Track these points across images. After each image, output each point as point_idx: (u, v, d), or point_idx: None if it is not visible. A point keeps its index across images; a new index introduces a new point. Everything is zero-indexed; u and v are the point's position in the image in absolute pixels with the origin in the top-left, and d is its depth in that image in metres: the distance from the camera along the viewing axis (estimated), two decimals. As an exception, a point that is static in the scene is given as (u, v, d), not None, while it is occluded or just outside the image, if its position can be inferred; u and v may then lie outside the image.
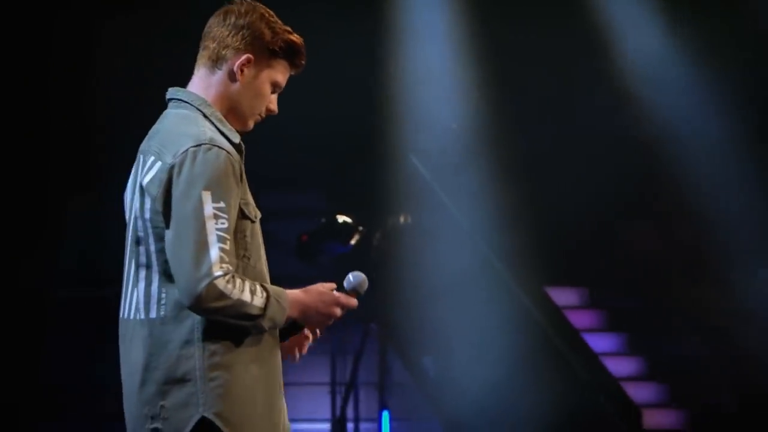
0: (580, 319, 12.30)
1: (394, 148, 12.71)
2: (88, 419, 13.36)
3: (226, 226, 3.79)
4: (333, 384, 13.18)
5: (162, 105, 4.47)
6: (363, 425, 12.19)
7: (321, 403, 13.28)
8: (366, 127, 13.03)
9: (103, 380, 11.78)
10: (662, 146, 12.73)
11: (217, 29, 4.09)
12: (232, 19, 4.05)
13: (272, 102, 4.14)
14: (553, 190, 12.94)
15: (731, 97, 12.82)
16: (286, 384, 4.44)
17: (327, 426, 13.15)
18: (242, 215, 3.91)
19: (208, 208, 3.78)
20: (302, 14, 12.76)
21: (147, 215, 3.89)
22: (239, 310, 3.76)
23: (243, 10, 4.08)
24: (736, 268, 11.61)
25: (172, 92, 4.14)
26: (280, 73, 4.11)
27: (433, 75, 12.79)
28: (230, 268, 3.76)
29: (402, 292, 13.05)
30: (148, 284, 3.92)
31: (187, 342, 3.85)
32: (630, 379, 11.49)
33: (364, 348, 11.11)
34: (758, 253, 11.53)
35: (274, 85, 4.11)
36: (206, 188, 3.79)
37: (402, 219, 12.69)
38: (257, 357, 3.96)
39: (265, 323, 3.82)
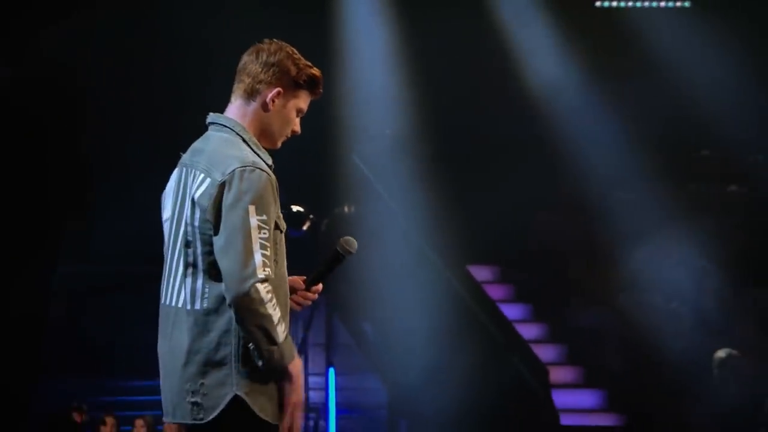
0: (495, 292, 12.21)
1: (339, 149, 12.52)
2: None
3: (267, 235, 3.78)
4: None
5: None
6: (312, 379, 11.99)
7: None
8: (316, 132, 12.48)
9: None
10: (563, 149, 12.69)
11: (251, 66, 4.03)
12: (264, 57, 4.01)
13: (296, 125, 4.11)
14: (473, 186, 12.76)
15: (620, 109, 12.85)
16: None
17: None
18: (275, 226, 3.88)
19: (253, 220, 3.76)
20: (257, 24, 12.70)
21: (197, 223, 3.87)
22: (266, 326, 3.77)
23: (272, 50, 4.04)
24: (620, 250, 11.60)
25: (213, 117, 4.10)
26: (303, 101, 4.07)
27: (372, 90, 12.62)
28: (270, 273, 3.77)
29: (345, 268, 12.50)
30: (194, 280, 3.89)
31: (226, 332, 3.83)
32: (536, 341, 11.46)
33: (313, 315, 11.00)
34: (635, 239, 11.56)
35: (299, 112, 4.07)
36: (251, 203, 3.76)
37: (345, 209, 12.65)
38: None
39: (275, 354, 3.78)
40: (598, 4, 14.32)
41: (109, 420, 11.31)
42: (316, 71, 4.10)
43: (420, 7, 13.57)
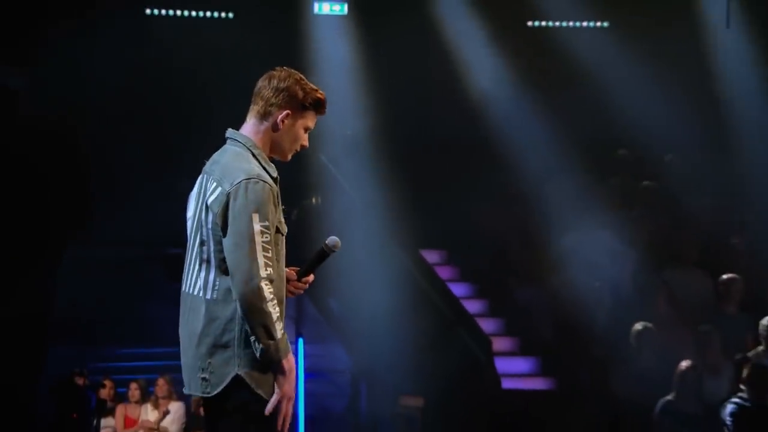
0: (443, 273, 12.14)
1: (308, 149, 12.05)
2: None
3: (269, 239, 3.81)
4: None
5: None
6: None
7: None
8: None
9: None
10: (502, 148, 12.68)
11: (264, 91, 4.04)
12: (275, 83, 4.01)
13: (305, 140, 4.12)
14: (424, 180, 12.69)
15: (551, 114, 12.89)
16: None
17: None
18: (276, 230, 3.91)
19: (257, 226, 3.79)
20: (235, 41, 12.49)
21: (209, 225, 3.89)
22: (266, 323, 3.78)
23: (282, 76, 4.04)
24: (551, 236, 11.55)
25: (230, 133, 4.11)
26: (311, 120, 4.11)
27: (335, 97, 12.53)
28: (272, 273, 3.81)
29: (313, 251, 12.29)
30: (207, 274, 3.93)
31: (231, 320, 3.88)
32: (479, 315, 11.42)
33: (285, 291, 10.94)
34: (564, 226, 11.49)
35: (306, 129, 4.10)
36: (255, 211, 3.79)
37: (313, 200, 12.67)
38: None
39: (272, 347, 3.80)
40: (529, 23, 14.37)
41: (108, 383, 11.17)
42: (321, 94, 4.11)
43: (377, 24, 13.49)
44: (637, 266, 11.30)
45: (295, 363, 3.98)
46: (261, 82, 4.10)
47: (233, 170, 3.91)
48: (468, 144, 12.73)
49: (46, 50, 12.56)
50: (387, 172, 12.17)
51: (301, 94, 4.06)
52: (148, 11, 13.64)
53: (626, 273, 11.26)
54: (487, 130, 12.94)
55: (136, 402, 11.26)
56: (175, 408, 11.15)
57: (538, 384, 10.62)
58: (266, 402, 3.87)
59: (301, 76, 4.13)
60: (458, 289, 11.56)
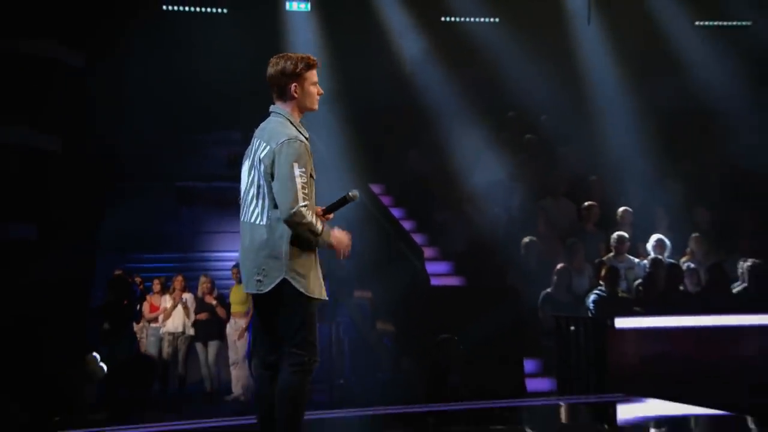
0: (384, 201, 11.56)
1: None
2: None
3: (305, 180, 3.88)
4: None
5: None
6: None
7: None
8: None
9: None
10: (425, 109, 12.32)
11: (272, 77, 4.05)
12: (274, 69, 4.02)
13: (318, 90, 4.08)
14: (372, 133, 12.23)
15: (459, 83, 12.57)
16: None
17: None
18: (309, 176, 3.96)
19: (296, 170, 3.86)
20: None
21: (261, 173, 3.94)
22: (311, 228, 3.89)
23: (275, 62, 4.05)
24: (464, 174, 11.28)
25: (272, 108, 4.10)
26: (312, 76, 4.06)
27: None
28: (307, 201, 3.87)
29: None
30: (262, 207, 3.96)
31: (280, 238, 3.91)
32: (411, 231, 10.95)
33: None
34: (453, 166, 11.37)
35: (313, 84, 4.06)
36: (294, 161, 3.87)
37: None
38: (311, 251, 3.97)
39: (320, 240, 3.94)
40: (443, 19, 14.11)
41: (139, 279, 10.92)
42: (305, 56, 4.07)
43: (333, 19, 13.11)
44: (523, 197, 11.15)
45: (341, 232, 4.05)
46: (268, 72, 4.09)
47: (277, 134, 3.95)
48: (403, 107, 12.25)
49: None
50: (345, 128, 11.70)
51: (291, 66, 4.02)
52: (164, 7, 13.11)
53: (516, 202, 11.13)
54: (416, 96, 12.49)
55: (158, 293, 10.95)
56: (188, 298, 10.90)
57: (454, 281, 10.35)
58: (302, 294, 3.90)
59: (286, 54, 4.09)
60: (395, 213, 11.15)
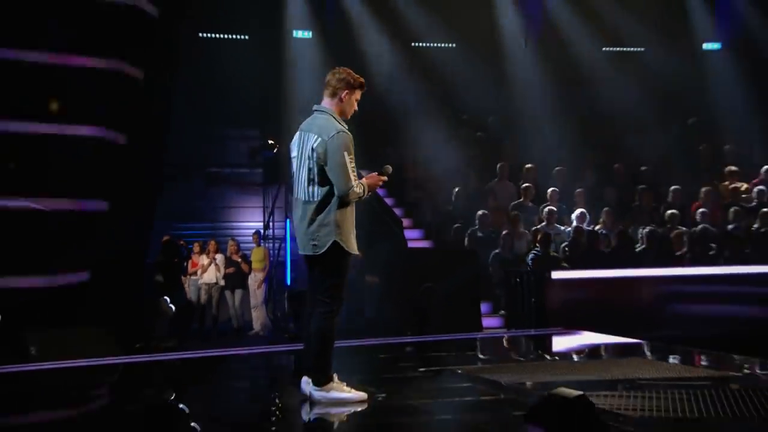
0: None
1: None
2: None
3: (353, 165, 3.84)
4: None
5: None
6: (278, 223, 11.03)
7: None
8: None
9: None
10: (399, 116, 12.14)
11: (332, 80, 3.95)
12: (337, 75, 3.94)
13: (356, 106, 4.01)
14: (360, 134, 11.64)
15: (425, 94, 12.49)
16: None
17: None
18: (353, 162, 3.87)
19: (346, 158, 3.81)
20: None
21: (314, 160, 3.82)
22: (358, 195, 3.85)
23: (340, 71, 3.97)
24: (428, 163, 11.18)
25: (317, 106, 3.99)
26: (358, 94, 4.00)
27: (308, 83, 11.70)
28: (356, 180, 3.82)
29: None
30: (313, 188, 3.84)
31: (329, 212, 3.83)
32: (392, 207, 10.75)
33: (278, 192, 10.52)
34: (434, 157, 11.12)
35: (356, 100, 4.00)
36: (344, 150, 3.81)
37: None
38: (352, 219, 3.94)
39: (362, 196, 3.88)
40: (413, 44, 13.88)
41: (196, 243, 10.96)
42: (362, 79, 3.99)
43: (330, 44, 12.82)
44: (475, 180, 11.17)
45: (369, 178, 3.95)
46: (328, 76, 3.98)
47: (328, 128, 3.84)
48: (382, 112, 11.85)
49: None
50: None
51: (351, 80, 3.94)
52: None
53: (470, 184, 11.08)
54: (392, 104, 12.24)
55: (197, 253, 10.94)
56: (219, 257, 10.90)
57: (425, 245, 10.34)
58: (345, 251, 3.83)
59: (349, 69, 4.01)
60: (380, 192, 10.69)
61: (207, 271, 10.79)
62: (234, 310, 10.81)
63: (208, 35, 13.17)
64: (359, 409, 3.90)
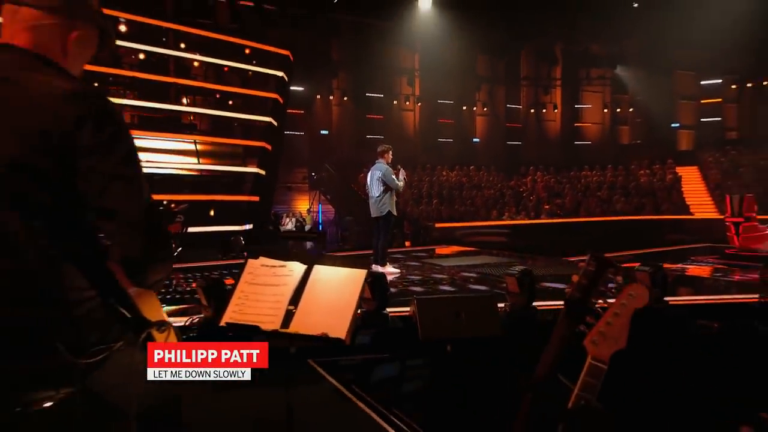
0: None
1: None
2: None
3: (400, 179, 5.30)
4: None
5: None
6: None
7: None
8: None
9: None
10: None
11: (380, 150, 5.10)
12: (383, 147, 5.03)
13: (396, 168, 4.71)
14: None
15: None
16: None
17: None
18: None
19: (394, 176, 5.42)
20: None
21: (378, 179, 5.48)
22: (400, 190, 5.48)
23: (385, 144, 5.17)
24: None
25: (378, 160, 5.32)
26: (392, 155, 4.91)
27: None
28: (403, 183, 5.32)
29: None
30: (378, 188, 5.57)
31: (384, 203, 5.51)
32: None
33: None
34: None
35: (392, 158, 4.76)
36: (393, 174, 5.55)
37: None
38: (395, 199, 5.50)
39: (401, 188, 5.25)
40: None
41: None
42: (392, 152, 5.04)
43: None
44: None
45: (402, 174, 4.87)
46: (378, 149, 5.55)
47: (385, 167, 5.67)
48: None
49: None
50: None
51: (391, 152, 5.62)
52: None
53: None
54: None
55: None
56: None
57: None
58: (392, 213, 5.50)
59: (389, 146, 5.47)
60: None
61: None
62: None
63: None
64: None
